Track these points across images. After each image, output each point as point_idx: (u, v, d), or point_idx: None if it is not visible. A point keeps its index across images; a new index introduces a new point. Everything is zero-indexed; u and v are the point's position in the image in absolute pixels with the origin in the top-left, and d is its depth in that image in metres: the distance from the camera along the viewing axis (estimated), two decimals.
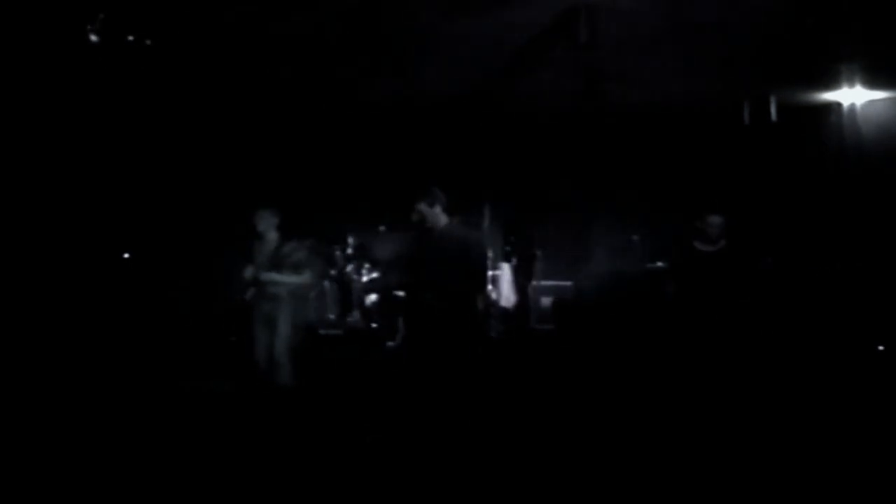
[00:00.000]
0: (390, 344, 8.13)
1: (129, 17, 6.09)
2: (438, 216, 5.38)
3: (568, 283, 9.42)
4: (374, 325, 8.72)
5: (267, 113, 8.82)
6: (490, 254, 8.97)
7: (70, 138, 8.13)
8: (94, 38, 6.08)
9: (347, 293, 9.28)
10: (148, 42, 6.40)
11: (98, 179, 8.53)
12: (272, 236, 6.40)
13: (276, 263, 6.29)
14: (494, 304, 8.95)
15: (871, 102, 8.45)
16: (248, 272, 6.40)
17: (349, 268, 9.12)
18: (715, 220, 6.19)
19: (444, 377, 5.08)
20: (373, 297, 9.07)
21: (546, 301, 9.19)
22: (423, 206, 5.38)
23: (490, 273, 9.02)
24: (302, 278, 6.38)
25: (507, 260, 9.31)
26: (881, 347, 6.74)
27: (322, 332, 8.63)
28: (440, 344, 5.14)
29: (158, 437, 5.05)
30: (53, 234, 8.10)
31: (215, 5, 6.01)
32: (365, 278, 9.17)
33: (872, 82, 7.93)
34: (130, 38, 6.25)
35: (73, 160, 8.26)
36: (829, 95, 8.32)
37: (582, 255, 9.70)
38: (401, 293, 6.65)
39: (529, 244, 9.67)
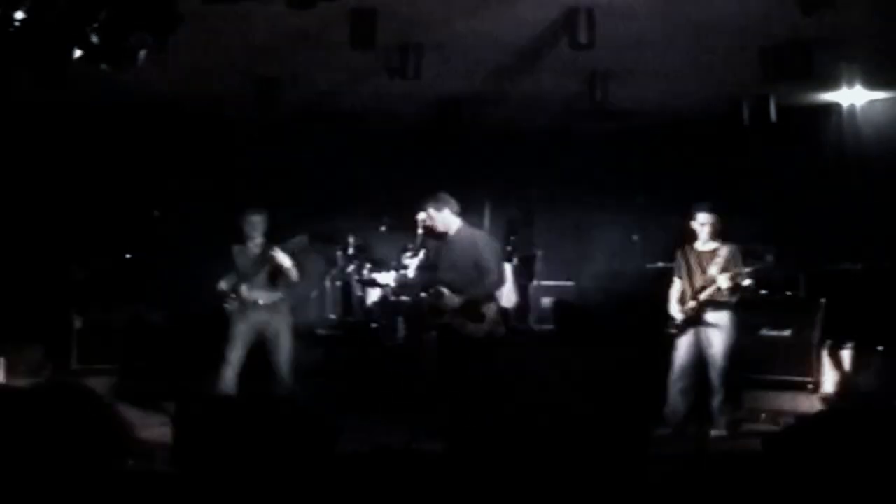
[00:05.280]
0: (390, 344, 8.12)
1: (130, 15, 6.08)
2: (449, 219, 5.34)
3: (568, 284, 9.40)
4: (373, 325, 8.69)
5: (267, 112, 8.80)
6: None
7: (62, 146, 8.16)
8: (95, 38, 6.08)
9: (347, 293, 9.26)
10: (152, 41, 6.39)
11: (88, 184, 8.53)
12: (258, 241, 5.99)
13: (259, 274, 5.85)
14: None
15: (871, 103, 8.43)
16: (227, 282, 5.92)
17: (350, 268, 9.09)
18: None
19: (450, 378, 5.07)
20: (374, 297, 9.03)
21: (546, 301, 9.18)
22: (431, 211, 5.35)
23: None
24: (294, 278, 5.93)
25: (508, 260, 9.29)
26: (880, 348, 6.73)
27: (322, 332, 8.61)
28: (450, 346, 5.11)
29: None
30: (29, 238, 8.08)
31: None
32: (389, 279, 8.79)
33: (872, 82, 7.91)
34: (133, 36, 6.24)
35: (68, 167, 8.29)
36: (829, 95, 8.31)
37: (583, 254, 9.69)
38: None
39: (530, 244, 9.65)
